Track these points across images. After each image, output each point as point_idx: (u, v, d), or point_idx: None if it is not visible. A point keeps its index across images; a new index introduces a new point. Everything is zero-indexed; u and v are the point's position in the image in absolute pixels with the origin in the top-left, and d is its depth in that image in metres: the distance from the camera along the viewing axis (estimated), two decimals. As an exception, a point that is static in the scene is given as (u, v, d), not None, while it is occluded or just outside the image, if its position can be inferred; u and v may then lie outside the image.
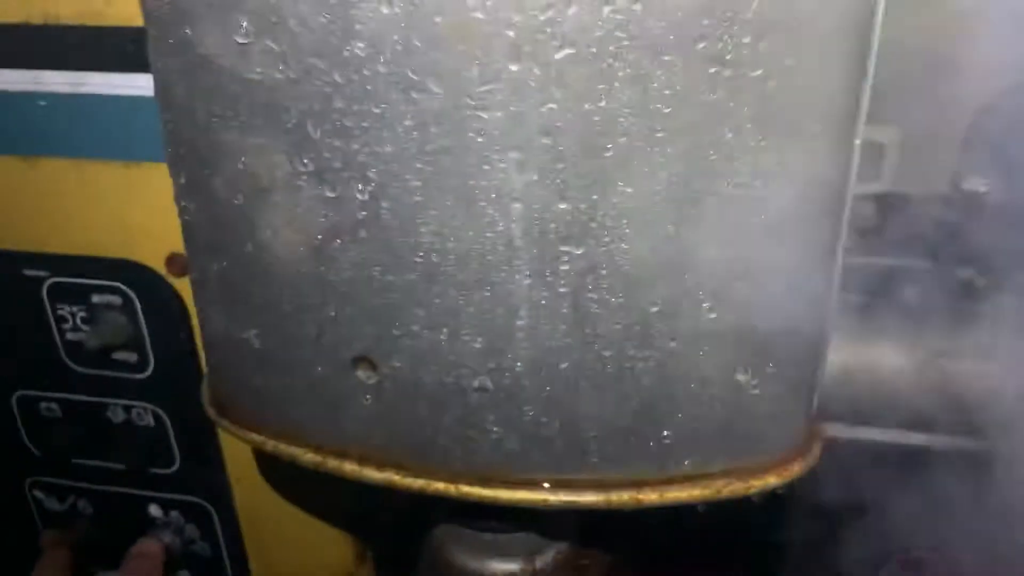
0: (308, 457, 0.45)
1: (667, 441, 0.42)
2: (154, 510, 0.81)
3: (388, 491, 0.45)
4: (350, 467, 0.44)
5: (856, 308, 0.85)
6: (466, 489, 0.43)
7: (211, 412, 0.49)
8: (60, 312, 0.72)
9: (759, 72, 0.35)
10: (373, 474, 0.44)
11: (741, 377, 0.41)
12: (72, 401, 0.76)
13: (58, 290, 0.71)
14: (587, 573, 0.55)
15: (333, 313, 0.41)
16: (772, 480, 0.43)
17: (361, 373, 0.42)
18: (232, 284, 0.43)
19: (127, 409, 0.75)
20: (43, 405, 0.77)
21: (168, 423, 0.75)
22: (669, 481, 0.43)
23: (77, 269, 0.70)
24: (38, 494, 0.83)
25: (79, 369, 0.74)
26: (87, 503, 0.82)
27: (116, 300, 0.69)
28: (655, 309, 0.39)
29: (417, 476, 0.43)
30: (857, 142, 0.40)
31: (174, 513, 0.80)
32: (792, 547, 0.85)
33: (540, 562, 0.51)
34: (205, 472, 0.77)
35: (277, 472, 0.75)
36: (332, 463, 0.44)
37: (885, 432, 0.87)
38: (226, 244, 0.42)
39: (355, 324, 0.41)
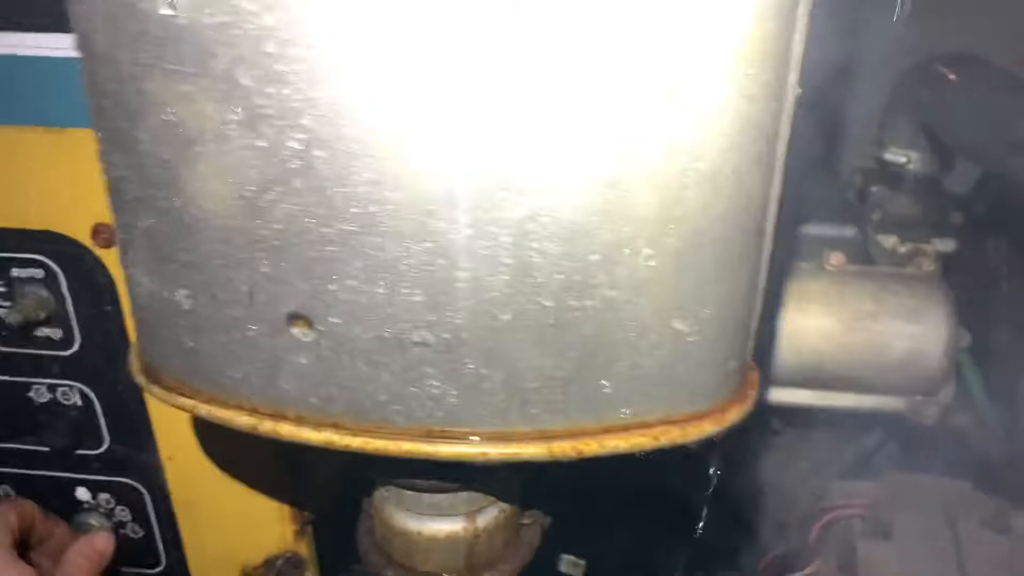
0: (243, 420, 0.44)
1: (607, 391, 0.42)
2: (82, 493, 0.78)
3: (328, 458, 0.45)
4: (287, 429, 0.43)
5: (787, 274, 0.87)
6: (407, 446, 0.42)
7: (140, 380, 0.47)
8: (-21, 285, 0.69)
9: (690, 12, 0.35)
10: (311, 435, 0.43)
11: (678, 324, 0.41)
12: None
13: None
14: (529, 532, 0.55)
15: (266, 269, 0.40)
16: (708, 427, 0.44)
17: (296, 331, 0.41)
18: (160, 242, 0.42)
19: (52, 388, 0.73)
20: (-33, 388, 0.74)
21: (96, 402, 0.73)
22: (608, 430, 0.43)
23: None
24: (-40, 477, 0.80)
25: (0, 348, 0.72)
26: (10, 487, 0.79)
27: (38, 273, 0.67)
28: (595, 257, 0.39)
29: (356, 435, 0.43)
30: (792, 88, 0.41)
31: (103, 495, 0.78)
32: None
33: (482, 521, 0.51)
34: (136, 452, 0.75)
35: (215, 445, 0.73)
36: (268, 425, 0.44)
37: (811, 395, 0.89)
38: (153, 200, 0.41)
39: (289, 280, 0.40)
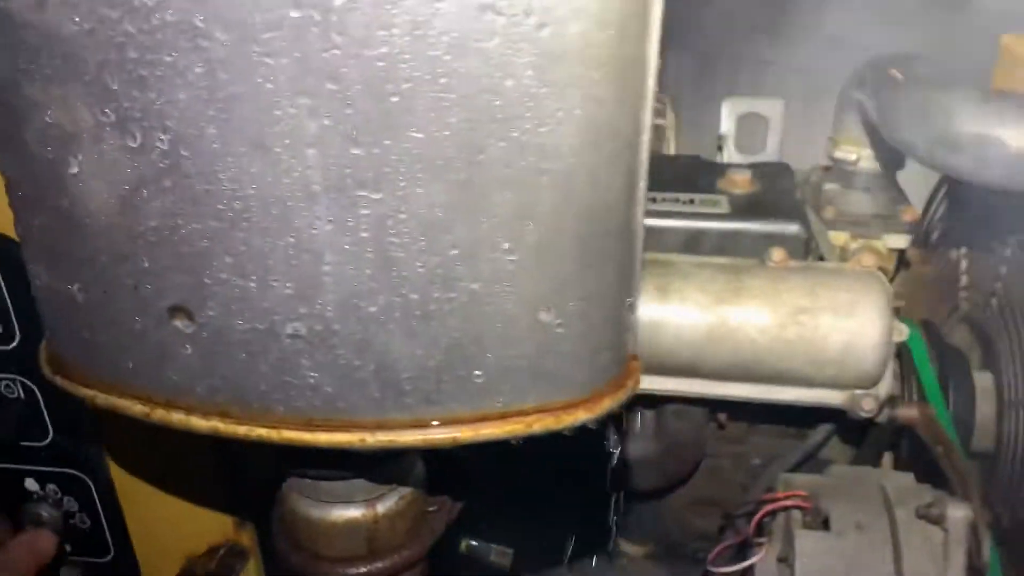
0: (137, 408, 0.46)
1: (478, 380, 0.44)
2: (30, 484, 0.81)
3: (259, 451, 0.47)
4: (177, 417, 0.45)
5: (722, 268, 0.89)
6: (288, 434, 0.44)
7: (46, 371, 0.50)
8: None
9: (533, 20, 0.37)
10: (199, 423, 0.45)
11: (544, 316, 0.43)
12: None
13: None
14: (435, 519, 0.56)
15: (146, 264, 0.42)
16: (582, 415, 0.46)
17: (178, 323, 0.43)
18: (52, 239, 0.44)
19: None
20: (-89, 381, 0.76)
21: (39, 395, 0.75)
22: (483, 419, 0.45)
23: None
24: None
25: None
26: (-39, 479, 0.81)
27: (-27, 270, 0.69)
28: (455, 252, 0.40)
29: (240, 423, 0.45)
30: (650, 87, 0.43)
31: (51, 486, 0.80)
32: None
33: (382, 507, 0.53)
34: (79, 443, 0.77)
35: (154, 437, 0.75)
36: (159, 413, 0.45)
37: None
38: (43, 198, 0.43)
39: (168, 274, 0.42)
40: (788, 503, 0.91)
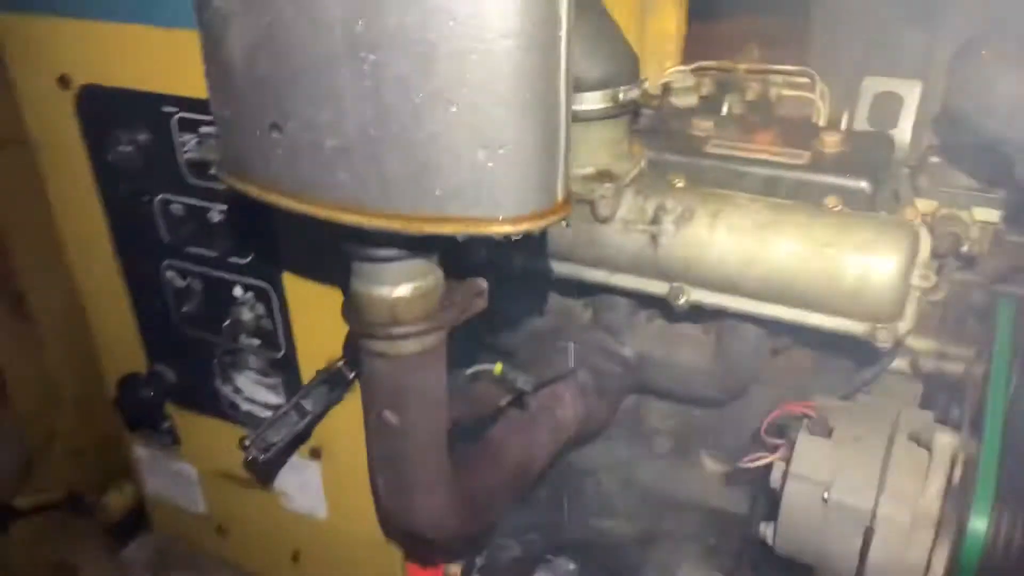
0: (252, 191, 0.76)
1: (438, 193, 0.69)
2: (237, 291, 1.16)
3: None
4: (274, 197, 0.75)
5: (771, 204, 1.04)
6: (327, 213, 0.72)
7: (219, 171, 0.81)
8: (183, 139, 1.08)
9: None
10: (280, 200, 0.74)
11: (481, 154, 0.67)
12: (190, 204, 1.13)
13: (183, 122, 1.07)
14: (450, 309, 0.82)
15: (258, 96, 0.71)
16: (507, 228, 0.69)
17: (274, 134, 0.72)
18: (217, 83, 0.75)
19: (221, 212, 1.11)
20: (172, 206, 1.14)
21: (245, 218, 1.10)
22: (443, 220, 0.70)
23: (197, 108, 1.06)
24: (169, 274, 1.21)
25: (194, 181, 1.10)
26: (198, 281, 1.19)
27: (212, 128, 1.04)
28: (419, 101, 0.66)
29: (303, 203, 0.73)
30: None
31: (249, 294, 1.15)
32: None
33: (400, 291, 0.79)
34: (269, 263, 1.11)
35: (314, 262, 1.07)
36: (271, 197, 0.75)
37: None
38: (214, 56, 0.74)
39: (268, 102, 0.71)
40: (799, 410, 1.06)
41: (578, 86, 1.04)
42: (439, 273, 0.83)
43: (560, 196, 0.72)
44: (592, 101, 1.04)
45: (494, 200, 0.69)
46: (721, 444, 1.32)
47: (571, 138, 0.71)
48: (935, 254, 1.14)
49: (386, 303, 0.80)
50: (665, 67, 1.69)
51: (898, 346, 1.04)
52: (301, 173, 0.72)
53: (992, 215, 1.18)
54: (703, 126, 1.23)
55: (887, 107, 1.34)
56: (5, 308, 1.81)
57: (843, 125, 1.33)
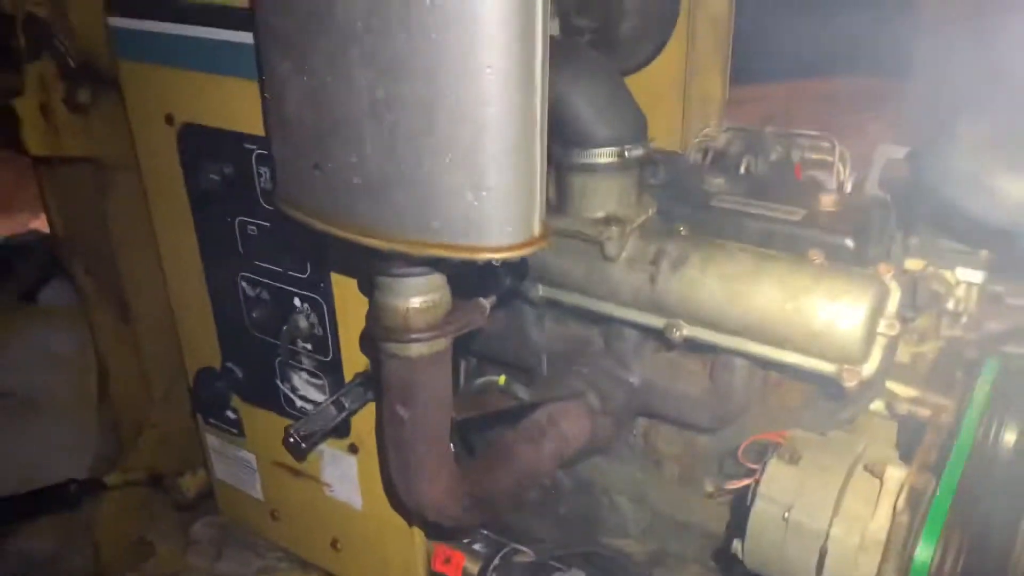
0: (300, 217, 0.95)
1: (436, 224, 0.86)
2: (296, 301, 1.36)
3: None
4: (315, 223, 0.94)
5: (756, 253, 1.18)
6: (352, 236, 0.90)
7: (275, 199, 1.01)
8: (260, 170, 1.29)
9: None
10: (320, 225, 0.93)
11: (470, 195, 0.84)
12: (262, 225, 1.34)
13: (259, 157, 1.28)
14: (457, 320, 0.99)
15: (305, 140, 0.91)
16: (490, 255, 0.86)
17: (316, 172, 0.91)
18: (273, 124, 0.95)
19: (285, 233, 1.31)
20: (249, 227, 1.35)
21: (306, 241, 1.29)
22: (440, 246, 0.87)
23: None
24: (243, 284, 1.42)
25: (266, 207, 1.31)
26: (265, 291, 1.39)
27: (282, 164, 1.24)
28: (422, 151, 0.83)
29: (337, 227, 0.91)
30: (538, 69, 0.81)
31: (306, 304, 1.35)
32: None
33: (413, 303, 0.97)
34: (321, 278, 1.31)
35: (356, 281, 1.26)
36: (314, 222, 0.94)
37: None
38: (269, 107, 0.94)
39: (312, 145, 0.90)
40: (772, 437, 1.19)
41: (591, 142, 1.21)
42: (447, 291, 1.00)
43: (536, 231, 0.88)
44: (603, 156, 1.21)
45: (480, 232, 0.86)
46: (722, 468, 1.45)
47: (545, 183, 0.87)
48: (917, 308, 1.26)
49: (400, 312, 0.98)
50: (708, 126, 1.85)
51: (866, 387, 1.15)
52: (335, 204, 0.91)
53: (976, 276, 1.28)
54: (714, 182, 1.38)
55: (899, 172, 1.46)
56: (112, 314, 2.07)
57: (849, 188, 1.45)
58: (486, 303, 1.03)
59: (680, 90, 1.92)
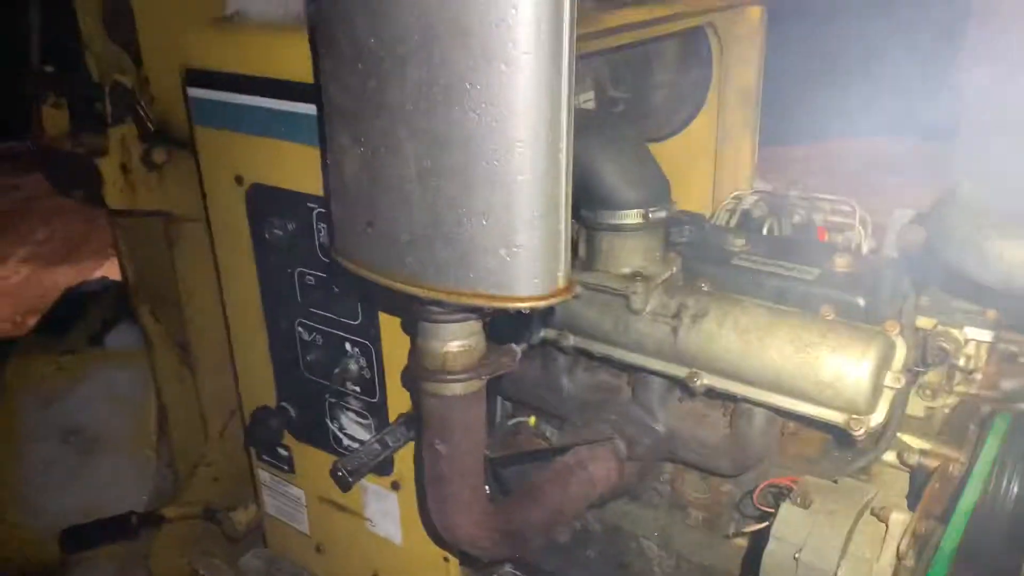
0: (353, 268, 1.07)
1: (472, 276, 0.97)
2: (347, 346, 1.48)
3: None
4: (366, 273, 1.06)
5: (771, 309, 1.27)
6: (398, 286, 1.02)
7: (333, 254, 1.13)
8: (320, 226, 1.42)
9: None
10: (371, 275, 1.05)
11: (503, 251, 0.95)
12: (320, 276, 1.47)
13: (319, 215, 1.41)
14: (491, 365, 1.10)
15: (360, 204, 1.03)
16: (520, 305, 0.97)
17: (368, 229, 1.04)
18: (335, 188, 1.08)
19: (339, 283, 1.44)
20: (307, 277, 1.49)
21: (360, 294, 1.42)
22: (475, 295, 0.98)
23: (329, 205, 1.40)
24: (299, 329, 1.55)
25: (324, 259, 1.44)
26: (319, 336, 1.52)
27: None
28: (462, 213, 0.95)
29: (388, 278, 1.03)
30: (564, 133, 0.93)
31: (356, 349, 1.47)
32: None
33: (452, 346, 1.08)
34: (371, 325, 1.43)
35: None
36: (366, 273, 1.06)
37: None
38: (329, 169, 1.07)
39: (364, 207, 1.02)
40: (785, 482, 1.27)
41: (618, 205, 1.32)
42: (482, 337, 1.11)
43: (561, 284, 0.99)
44: (628, 217, 1.31)
45: (511, 284, 0.97)
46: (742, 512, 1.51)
47: (570, 241, 0.98)
48: (927, 364, 1.33)
49: (439, 355, 1.09)
50: (739, 188, 1.95)
51: (877, 438, 1.22)
52: (384, 257, 1.03)
53: (985, 335, 1.36)
54: (736, 242, 1.48)
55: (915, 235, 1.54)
56: (175, 356, 2.22)
57: (866, 249, 1.54)
58: (517, 349, 1.13)
59: (712, 155, 2.03)
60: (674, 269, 1.40)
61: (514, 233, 0.95)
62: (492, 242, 0.95)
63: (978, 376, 1.44)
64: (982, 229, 1.15)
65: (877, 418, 1.21)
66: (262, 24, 1.38)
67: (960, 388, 1.44)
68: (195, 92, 1.47)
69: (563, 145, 0.92)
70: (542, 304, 0.97)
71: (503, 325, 1.12)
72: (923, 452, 1.31)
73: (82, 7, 1.75)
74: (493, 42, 0.86)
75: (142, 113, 1.76)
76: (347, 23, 0.95)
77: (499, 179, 0.92)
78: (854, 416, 1.21)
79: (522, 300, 0.97)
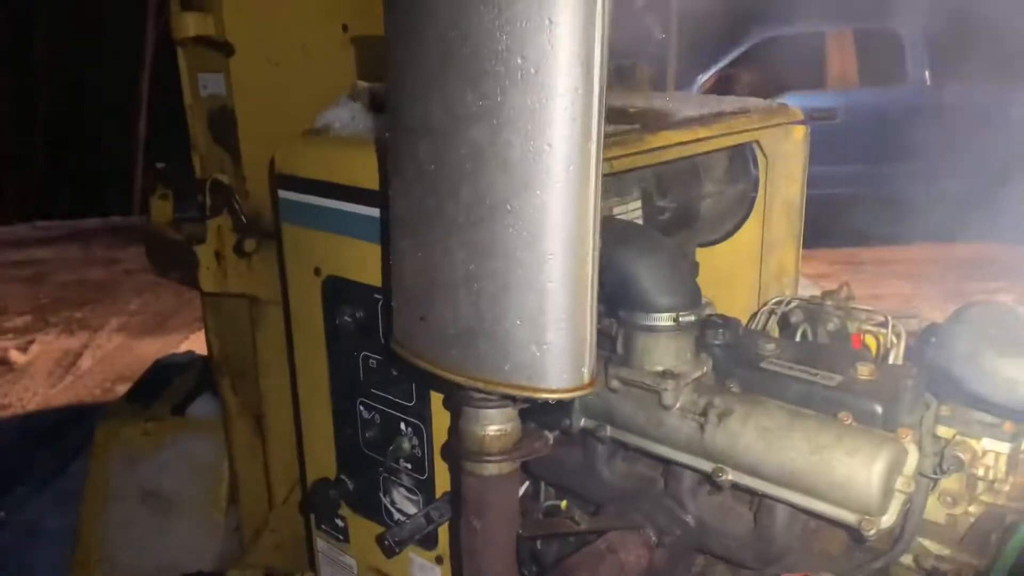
0: (407, 356, 1.22)
1: (507, 368, 1.11)
2: (402, 426, 1.62)
3: None
4: (419, 362, 1.20)
5: (791, 411, 1.37)
6: (444, 374, 1.16)
7: (393, 345, 1.28)
8: (383, 315, 1.58)
9: (530, 235, 1.06)
10: (422, 364, 1.19)
11: (534, 347, 1.09)
12: (381, 360, 1.62)
13: (385, 305, 1.57)
14: (526, 447, 1.22)
15: (414, 300, 1.18)
16: (548, 396, 1.09)
17: (422, 322, 1.18)
18: (398, 281, 1.23)
19: (397, 368, 1.59)
20: (370, 361, 1.64)
21: (414, 379, 1.57)
22: (509, 386, 1.11)
23: (393, 298, 1.56)
24: (361, 408, 1.70)
25: (382, 342, 1.60)
26: (378, 415, 1.67)
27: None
28: (499, 314, 1.09)
29: (434, 367, 1.18)
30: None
31: (409, 429, 1.61)
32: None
33: (490, 430, 1.21)
34: (424, 407, 1.57)
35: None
36: (418, 362, 1.21)
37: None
38: (389, 266, 1.23)
39: (413, 301, 1.18)
40: (798, 576, 1.34)
41: (651, 308, 1.44)
42: (518, 422, 1.24)
43: (587, 378, 1.12)
44: (661, 320, 1.44)
45: (542, 377, 1.10)
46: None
47: (595, 341, 1.11)
48: (942, 471, 1.40)
49: (477, 437, 1.22)
50: (783, 294, 2.06)
51: (893, 540, 1.30)
52: (432, 347, 1.18)
53: (1003, 447, 1.42)
54: (767, 347, 1.58)
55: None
56: (249, 427, 2.40)
57: (892, 359, 1.62)
58: (550, 435, 1.26)
59: (757, 263, 2.14)
60: (705, 369, 1.50)
61: (544, 332, 1.08)
62: (525, 339, 1.09)
63: (1006, 488, 1.49)
64: (981, 347, 1.23)
65: (888, 520, 1.28)
66: (343, 138, 1.58)
67: (986, 498, 1.50)
68: (284, 194, 1.67)
69: (589, 258, 1.06)
70: (567, 396, 1.10)
71: (541, 412, 1.25)
72: (939, 557, 1.37)
73: (192, 114, 1.99)
74: (531, 172, 1.02)
75: (237, 207, 1.98)
76: (412, 149, 1.12)
77: (532, 285, 1.07)
78: (866, 517, 1.28)
79: (551, 392, 1.10)
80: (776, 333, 1.88)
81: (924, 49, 8.17)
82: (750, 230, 2.14)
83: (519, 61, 0.97)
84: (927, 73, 8.23)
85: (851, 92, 8.54)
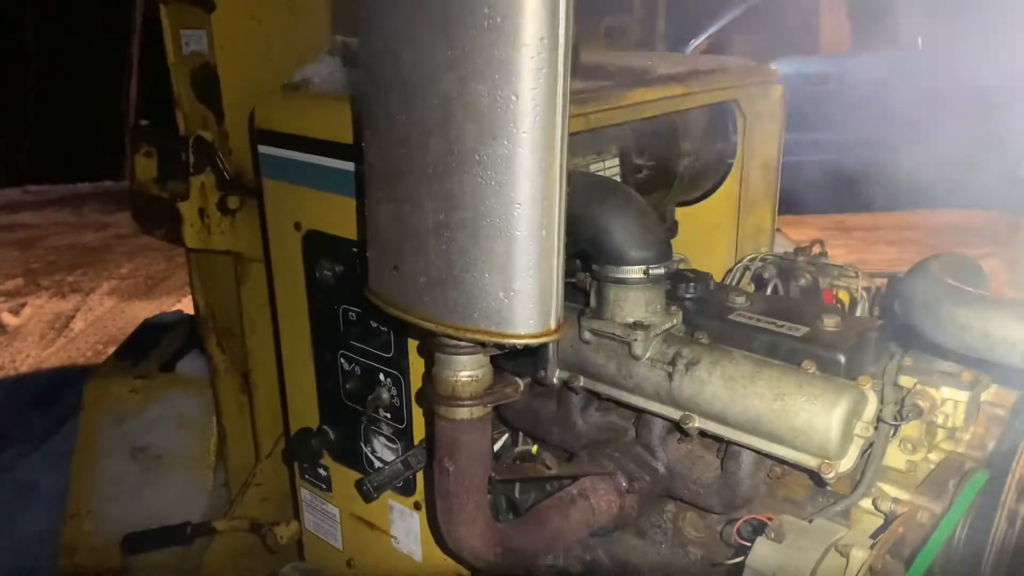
0: (381, 305, 1.26)
1: (476, 315, 1.15)
2: (381, 376, 1.66)
3: None
4: (392, 311, 1.24)
5: (757, 360, 1.41)
6: (416, 321, 1.20)
7: (368, 293, 1.32)
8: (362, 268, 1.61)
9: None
10: (395, 312, 1.23)
11: (501, 294, 1.13)
12: (360, 313, 1.66)
13: (362, 256, 1.60)
14: (498, 393, 1.26)
15: (388, 249, 1.22)
16: (519, 341, 1.13)
17: (394, 271, 1.22)
18: (371, 234, 1.27)
19: (376, 320, 1.62)
20: (350, 313, 1.68)
21: (393, 328, 1.61)
22: (478, 332, 1.15)
23: (371, 251, 1.59)
24: (342, 360, 1.74)
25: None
26: (358, 367, 1.71)
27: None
28: (469, 262, 1.13)
29: (410, 316, 1.21)
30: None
31: (388, 380, 1.65)
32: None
33: (462, 376, 1.25)
34: (401, 358, 1.61)
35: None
36: (391, 310, 1.24)
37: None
38: (364, 214, 1.26)
39: (386, 252, 1.21)
40: (759, 518, 1.39)
41: (622, 261, 1.48)
42: (489, 369, 1.28)
43: (553, 324, 1.15)
44: (631, 272, 1.47)
45: (510, 323, 1.14)
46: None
47: (562, 289, 1.15)
48: (901, 418, 1.45)
49: (450, 383, 1.26)
50: (759, 251, 2.10)
51: (852, 483, 1.35)
52: (406, 296, 1.21)
53: (961, 395, 1.47)
54: (737, 300, 1.62)
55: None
56: (236, 384, 2.44)
57: (860, 312, 1.67)
58: (521, 382, 1.30)
59: (734, 221, 2.18)
60: (675, 321, 1.54)
61: (512, 280, 1.12)
62: (493, 286, 1.13)
63: (965, 436, 1.54)
64: (937, 296, 1.27)
65: (846, 464, 1.33)
66: (319, 93, 1.60)
67: (947, 446, 1.54)
68: (263, 149, 1.69)
69: (555, 207, 1.10)
70: (535, 342, 1.14)
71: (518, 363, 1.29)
72: (896, 500, 1.42)
73: (175, 71, 2.01)
74: (498, 122, 1.04)
75: (220, 165, 2.00)
76: (384, 101, 1.15)
77: (501, 233, 1.10)
78: (825, 461, 1.33)
79: (518, 337, 1.14)
80: (752, 289, 1.92)
81: (917, 13, 8.14)
82: (728, 189, 2.17)
83: (486, 10, 1.00)
84: (920, 40, 8.21)
85: (843, 57, 8.51)
